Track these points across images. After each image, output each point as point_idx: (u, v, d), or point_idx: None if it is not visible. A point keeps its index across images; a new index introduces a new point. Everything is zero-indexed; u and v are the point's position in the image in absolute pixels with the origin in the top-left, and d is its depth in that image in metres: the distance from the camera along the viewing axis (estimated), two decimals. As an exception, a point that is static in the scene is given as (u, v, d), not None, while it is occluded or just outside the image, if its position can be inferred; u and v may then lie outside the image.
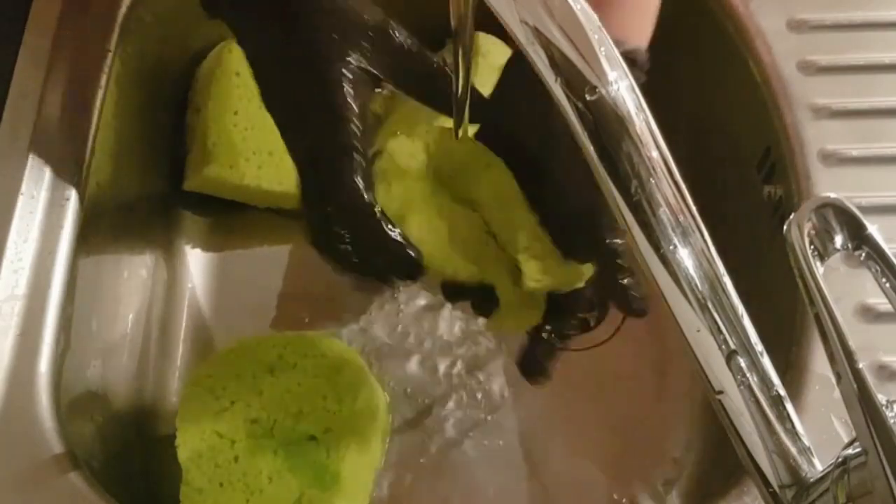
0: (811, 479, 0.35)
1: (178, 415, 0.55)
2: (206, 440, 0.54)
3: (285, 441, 0.54)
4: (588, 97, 0.34)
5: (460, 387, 0.63)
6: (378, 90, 0.49)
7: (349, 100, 0.45)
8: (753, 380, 0.35)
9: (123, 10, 0.62)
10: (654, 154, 0.34)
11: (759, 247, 0.61)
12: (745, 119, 0.63)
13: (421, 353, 0.64)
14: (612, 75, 0.34)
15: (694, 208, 0.35)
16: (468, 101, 0.46)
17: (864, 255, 0.35)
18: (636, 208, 0.34)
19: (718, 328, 0.35)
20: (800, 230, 0.34)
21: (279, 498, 0.52)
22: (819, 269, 0.34)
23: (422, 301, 0.66)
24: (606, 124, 0.34)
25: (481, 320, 0.65)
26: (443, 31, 0.45)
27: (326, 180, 0.45)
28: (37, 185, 0.55)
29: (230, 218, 0.69)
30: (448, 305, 0.65)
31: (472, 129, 0.49)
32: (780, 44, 0.61)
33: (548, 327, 0.49)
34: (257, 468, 0.53)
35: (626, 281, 0.47)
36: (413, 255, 0.45)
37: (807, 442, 0.36)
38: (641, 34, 0.49)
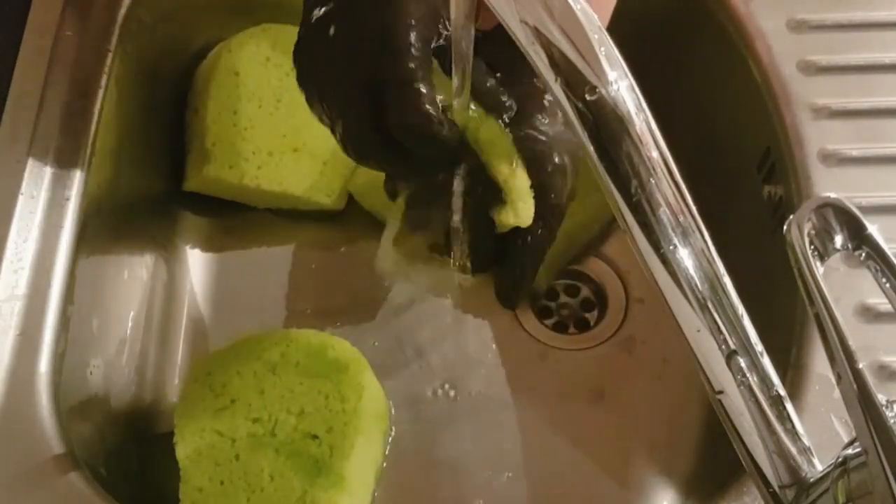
0: (811, 479, 0.35)
1: (177, 412, 0.55)
2: (206, 438, 0.54)
3: (287, 440, 0.54)
4: (588, 97, 0.34)
5: (461, 387, 0.63)
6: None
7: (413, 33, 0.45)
8: (753, 380, 0.35)
9: (123, 10, 0.62)
10: (654, 154, 0.34)
11: (759, 247, 0.61)
12: (745, 119, 0.63)
13: (422, 352, 0.64)
14: (612, 75, 0.34)
15: (694, 208, 0.35)
16: (469, 102, 0.46)
17: (864, 255, 0.35)
18: (636, 208, 0.34)
19: (718, 328, 0.35)
20: (800, 230, 0.34)
21: (281, 497, 0.52)
22: (819, 269, 0.34)
23: (422, 301, 0.66)
24: (606, 124, 0.34)
25: (482, 320, 0.65)
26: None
27: (394, 108, 0.45)
28: (37, 185, 0.55)
29: (230, 218, 0.69)
30: (449, 305, 0.65)
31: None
32: (780, 44, 0.61)
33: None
34: (258, 467, 0.53)
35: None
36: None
37: (807, 442, 0.36)
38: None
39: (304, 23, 0.48)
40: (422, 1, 0.46)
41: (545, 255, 0.51)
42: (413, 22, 0.45)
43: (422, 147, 0.45)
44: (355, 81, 0.45)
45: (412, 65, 0.44)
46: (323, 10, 0.47)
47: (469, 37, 0.42)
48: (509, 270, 0.52)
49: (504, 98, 0.47)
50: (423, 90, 0.44)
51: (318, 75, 0.48)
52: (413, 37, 0.45)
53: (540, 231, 0.49)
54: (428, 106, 0.44)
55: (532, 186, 0.48)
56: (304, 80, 0.48)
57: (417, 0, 0.45)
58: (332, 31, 0.46)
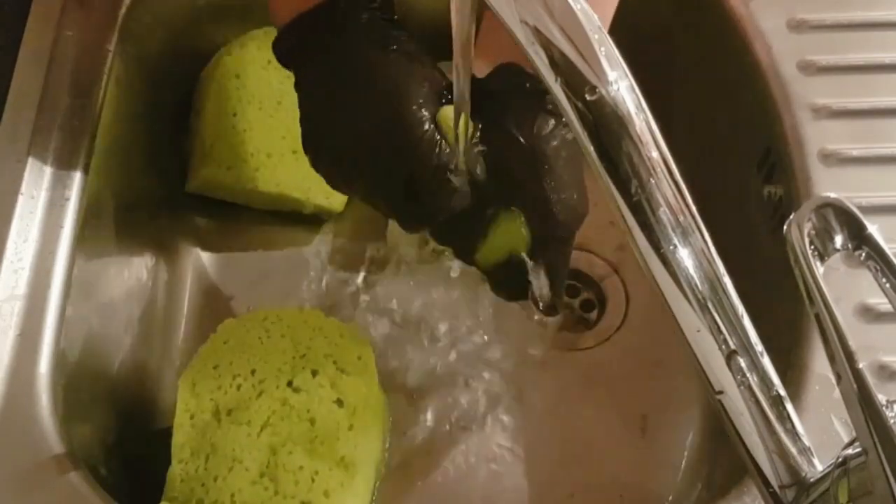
0: (811, 479, 0.36)
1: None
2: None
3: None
4: (588, 97, 0.34)
5: (460, 386, 0.63)
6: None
7: (428, 125, 0.47)
8: (753, 380, 0.35)
9: (123, 10, 0.62)
10: (654, 154, 0.34)
11: (760, 247, 0.61)
12: (745, 119, 0.63)
13: (422, 352, 0.64)
14: (612, 75, 0.34)
15: (694, 208, 0.35)
16: (469, 102, 0.46)
17: (864, 255, 0.35)
18: (636, 208, 0.34)
19: (718, 328, 0.35)
20: (800, 230, 0.34)
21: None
22: (819, 269, 0.34)
23: (423, 302, 0.66)
24: (606, 124, 0.34)
25: (482, 321, 0.65)
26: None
27: (428, 203, 0.47)
28: (37, 185, 0.55)
29: (230, 219, 0.69)
30: (449, 306, 0.65)
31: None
32: (780, 44, 0.61)
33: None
34: (260, 463, 0.53)
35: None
36: None
37: (807, 442, 0.36)
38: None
39: (304, 116, 0.51)
40: (418, 73, 0.47)
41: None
42: (421, 101, 0.46)
43: (446, 209, 0.48)
44: (382, 175, 0.48)
45: (432, 152, 0.46)
46: (323, 101, 0.50)
47: (467, 82, 0.42)
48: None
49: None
50: (451, 178, 0.47)
51: (340, 167, 0.50)
52: (425, 119, 0.46)
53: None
54: (455, 183, 0.47)
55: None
56: (324, 171, 0.51)
57: (414, 75, 0.47)
58: (340, 121, 0.49)
